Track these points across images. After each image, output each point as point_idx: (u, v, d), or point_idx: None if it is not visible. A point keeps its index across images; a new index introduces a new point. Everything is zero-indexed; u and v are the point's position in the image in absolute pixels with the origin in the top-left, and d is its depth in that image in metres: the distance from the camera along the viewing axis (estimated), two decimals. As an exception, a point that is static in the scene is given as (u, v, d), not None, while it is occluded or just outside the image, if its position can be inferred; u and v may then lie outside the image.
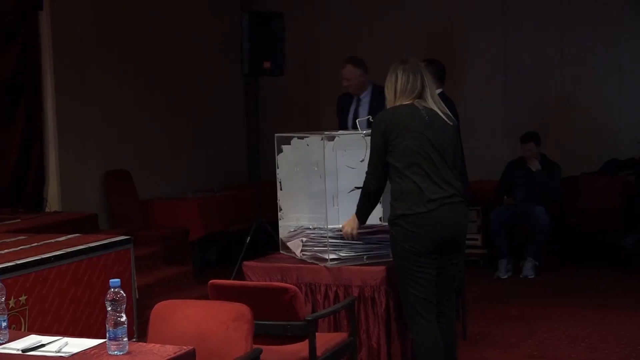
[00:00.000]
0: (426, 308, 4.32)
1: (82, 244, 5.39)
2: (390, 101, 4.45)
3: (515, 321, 6.54)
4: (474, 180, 9.12)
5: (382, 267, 4.69)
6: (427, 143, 4.29)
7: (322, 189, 4.90)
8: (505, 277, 8.07)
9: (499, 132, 9.45)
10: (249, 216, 8.16)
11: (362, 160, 5.05)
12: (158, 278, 6.96)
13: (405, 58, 4.54)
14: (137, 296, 5.80)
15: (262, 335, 3.96)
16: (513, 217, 8.26)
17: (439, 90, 7.77)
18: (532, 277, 7.99)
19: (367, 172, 4.49)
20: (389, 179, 4.42)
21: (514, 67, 9.46)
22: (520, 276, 8.03)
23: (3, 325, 3.08)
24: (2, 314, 3.08)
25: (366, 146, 5.06)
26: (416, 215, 4.25)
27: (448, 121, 4.42)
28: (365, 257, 4.83)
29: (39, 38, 7.80)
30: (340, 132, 5.24)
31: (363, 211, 4.64)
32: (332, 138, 5.01)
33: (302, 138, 5.23)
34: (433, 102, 4.40)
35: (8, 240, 5.72)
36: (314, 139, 5.12)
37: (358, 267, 4.76)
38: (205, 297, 4.31)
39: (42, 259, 5.00)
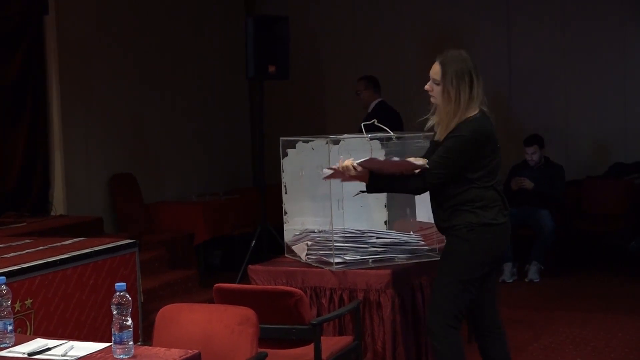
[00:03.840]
0: (461, 320, 4.22)
1: (87, 248, 5.40)
2: (461, 106, 4.07)
3: (520, 325, 6.52)
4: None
5: (388, 271, 4.68)
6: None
7: (327, 192, 4.90)
8: (511, 280, 8.06)
9: (503, 135, 9.39)
10: (254, 220, 8.16)
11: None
12: (163, 282, 6.97)
13: (457, 50, 4.25)
14: (142, 300, 5.80)
15: (268, 339, 3.96)
16: (518, 221, 8.24)
17: (378, 100, 7.91)
18: (538, 280, 7.98)
19: (433, 171, 4.03)
20: (461, 185, 4.07)
21: (518, 70, 9.45)
22: (526, 280, 8.02)
23: (9, 328, 3.08)
24: (8, 317, 3.09)
25: (371, 149, 5.08)
26: (500, 225, 4.08)
27: None
28: (370, 260, 4.83)
29: (44, 42, 7.82)
30: (345, 135, 5.23)
31: (384, 185, 4.25)
32: (337, 142, 5.01)
33: (307, 142, 5.24)
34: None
35: (14, 243, 5.74)
36: (319, 143, 5.12)
37: (363, 270, 4.75)
38: (210, 301, 4.32)
39: (47, 262, 5.01)
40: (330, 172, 4.25)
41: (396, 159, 4.13)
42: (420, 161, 4.10)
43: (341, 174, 4.23)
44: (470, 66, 4.13)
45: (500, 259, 4.26)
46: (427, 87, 4.21)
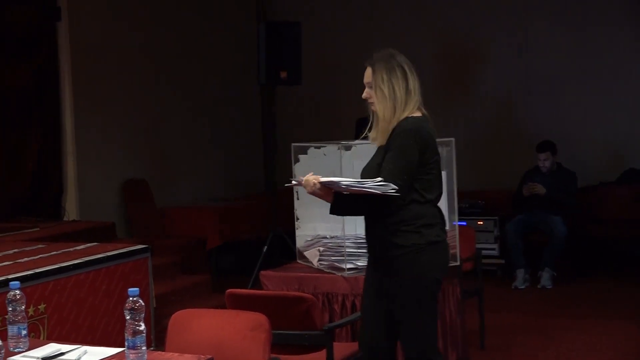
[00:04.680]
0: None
1: (100, 253, 5.42)
2: (398, 100, 3.74)
3: (533, 331, 6.51)
4: (491, 190, 9.13)
5: (400, 277, 4.67)
6: None
7: (339, 198, 4.88)
8: (523, 287, 8.04)
9: (515, 142, 9.43)
10: (266, 225, 8.17)
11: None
12: (175, 287, 6.97)
13: (384, 49, 4.01)
14: (155, 305, 5.81)
15: (280, 344, 3.96)
16: (530, 227, 8.23)
17: None
18: (550, 287, 7.96)
19: (396, 181, 3.58)
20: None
21: (531, 76, 9.44)
22: (538, 286, 8.00)
23: (23, 333, 3.09)
24: (22, 322, 3.10)
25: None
26: (442, 243, 3.80)
27: None
28: (382, 266, 4.82)
29: (57, 49, 7.87)
30: (357, 141, 5.23)
31: (349, 207, 3.78)
32: (349, 148, 5.01)
33: (319, 147, 5.24)
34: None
35: (27, 248, 5.76)
36: (331, 149, 5.12)
37: (375, 276, 4.74)
38: (222, 306, 4.32)
39: (60, 267, 5.02)
40: (296, 183, 3.87)
41: (361, 185, 3.59)
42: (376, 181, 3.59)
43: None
44: (401, 60, 3.87)
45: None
46: (364, 95, 3.89)
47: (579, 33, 9.25)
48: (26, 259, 5.32)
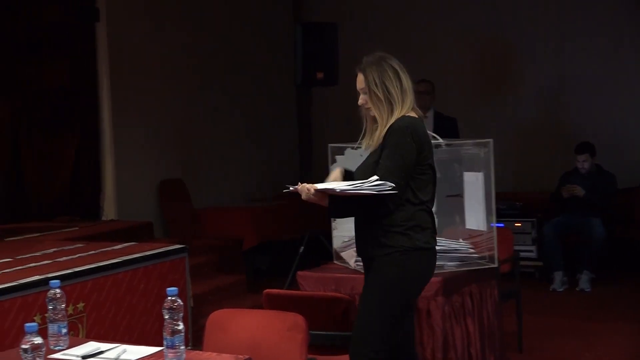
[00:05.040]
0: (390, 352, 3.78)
1: (138, 253, 5.45)
2: (396, 100, 3.70)
3: (570, 335, 6.45)
4: (529, 191, 9.06)
5: (437, 279, 4.64)
6: None
7: (376, 199, 4.87)
8: (561, 289, 7.97)
9: (554, 143, 9.35)
10: (301, 226, 8.17)
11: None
12: (212, 287, 7.01)
13: (372, 53, 3.95)
14: (192, 304, 5.84)
15: (316, 345, 3.96)
16: (569, 229, 8.16)
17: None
18: (589, 290, 7.88)
19: (391, 179, 3.53)
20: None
21: (569, 77, 9.36)
22: (577, 289, 7.92)
23: (63, 331, 3.12)
24: (62, 320, 3.13)
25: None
26: (432, 250, 3.74)
27: None
28: (419, 268, 4.79)
29: (95, 49, 7.94)
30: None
31: (345, 210, 3.74)
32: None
33: (355, 148, 5.22)
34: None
35: (66, 248, 5.82)
36: (367, 150, 5.10)
37: (412, 277, 4.72)
38: (258, 306, 4.33)
39: (99, 266, 5.06)
40: (293, 190, 3.82)
41: (356, 188, 3.54)
42: (373, 179, 3.54)
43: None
44: (392, 61, 3.83)
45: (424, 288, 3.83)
46: (360, 101, 3.87)
47: (616, 33, 9.15)
48: (65, 258, 5.37)
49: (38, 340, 2.56)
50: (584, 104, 9.28)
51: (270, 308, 4.07)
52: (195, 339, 5.41)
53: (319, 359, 3.68)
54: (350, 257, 5.01)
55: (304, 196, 3.65)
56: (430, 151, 3.71)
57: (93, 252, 5.57)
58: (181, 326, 2.88)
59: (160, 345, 3.05)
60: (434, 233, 3.74)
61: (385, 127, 3.70)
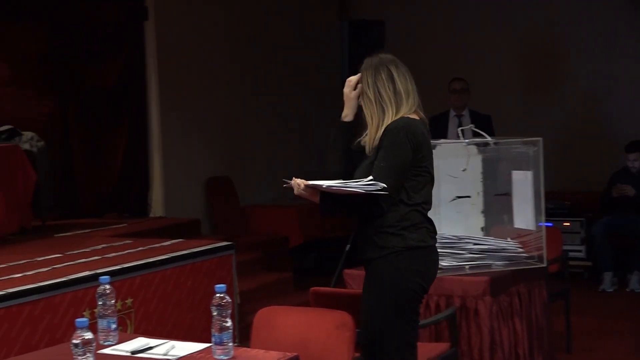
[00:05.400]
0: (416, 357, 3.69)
1: (185, 249, 5.49)
2: (386, 102, 3.63)
3: (620, 336, 6.37)
4: (578, 191, 8.95)
5: (485, 278, 4.62)
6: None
7: (423, 197, 4.85)
8: (611, 290, 7.87)
9: (603, 142, 9.22)
10: (347, 224, 8.15)
11: (464, 170, 5.02)
12: (258, 284, 7.03)
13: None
14: (239, 301, 5.86)
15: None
16: (619, 229, 8.04)
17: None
18: (639, 290, 7.77)
19: (385, 180, 3.46)
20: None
21: (618, 76, 9.23)
22: (627, 289, 7.82)
23: (112, 327, 3.15)
24: (111, 315, 3.16)
25: (467, 155, 5.03)
26: (428, 248, 3.64)
27: None
28: (467, 267, 4.78)
29: (144, 47, 8.00)
30: (442, 141, 5.19)
31: (335, 208, 3.68)
32: (433, 147, 4.95)
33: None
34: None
35: (115, 244, 5.88)
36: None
37: (460, 277, 4.70)
38: (304, 303, 4.34)
39: (147, 263, 5.11)
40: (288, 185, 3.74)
41: (344, 185, 3.49)
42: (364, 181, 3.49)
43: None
44: (389, 63, 3.69)
45: (428, 287, 3.71)
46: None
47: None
48: (114, 254, 5.42)
49: (89, 335, 2.58)
50: (634, 102, 9.15)
51: (316, 306, 4.06)
52: (241, 336, 5.44)
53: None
54: (397, 255, 4.98)
55: (295, 191, 3.62)
56: (428, 153, 3.66)
57: (141, 248, 5.63)
58: (229, 323, 2.89)
59: (208, 341, 3.07)
60: (431, 232, 3.66)
61: (376, 128, 3.65)
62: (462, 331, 4.64)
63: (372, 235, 3.60)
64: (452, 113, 7.65)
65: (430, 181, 3.67)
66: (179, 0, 8.22)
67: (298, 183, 3.60)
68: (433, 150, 4.81)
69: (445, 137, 7.10)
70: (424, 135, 3.62)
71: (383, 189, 3.43)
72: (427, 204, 3.66)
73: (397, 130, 3.54)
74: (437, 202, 4.89)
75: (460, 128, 5.04)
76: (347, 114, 3.83)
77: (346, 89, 3.77)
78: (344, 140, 3.84)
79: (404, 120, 3.59)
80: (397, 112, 3.61)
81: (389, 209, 3.54)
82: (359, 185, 3.45)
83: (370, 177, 3.46)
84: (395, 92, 3.63)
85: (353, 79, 3.77)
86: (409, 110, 3.64)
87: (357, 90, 3.71)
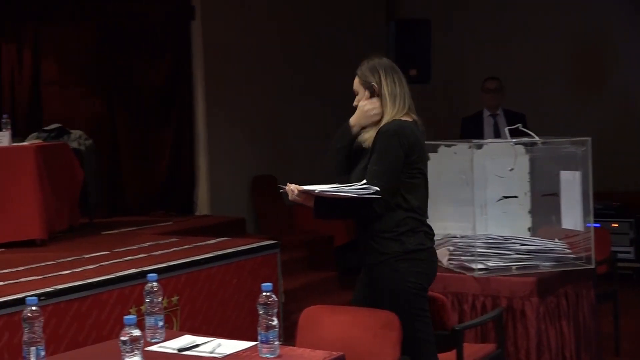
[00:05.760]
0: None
1: (231, 248, 5.52)
2: (385, 98, 3.73)
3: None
4: (627, 192, 8.83)
5: (532, 279, 4.58)
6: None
7: (470, 197, 4.83)
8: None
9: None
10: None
11: (512, 169, 4.98)
12: (303, 283, 7.04)
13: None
14: (283, 300, 5.87)
15: (409, 343, 3.93)
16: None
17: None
18: None
19: (378, 183, 3.50)
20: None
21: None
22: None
23: (160, 324, 3.17)
24: (158, 313, 3.18)
25: (515, 154, 4.99)
26: (428, 250, 3.69)
27: None
28: (514, 267, 4.73)
29: (191, 46, 8.05)
30: (489, 140, 5.15)
31: (330, 212, 3.66)
32: (480, 146, 4.93)
33: (449, 146, 5.18)
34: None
35: (161, 242, 5.93)
36: (461, 147, 5.05)
37: (506, 277, 4.66)
38: (348, 303, 4.31)
39: (192, 261, 5.15)
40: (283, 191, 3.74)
41: (337, 190, 3.50)
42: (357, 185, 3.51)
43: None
44: (386, 65, 3.82)
45: (428, 288, 3.73)
46: (355, 102, 3.91)
47: None
48: (160, 252, 5.47)
49: (136, 332, 2.60)
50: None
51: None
52: (285, 335, 5.44)
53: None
54: (443, 255, 4.96)
55: (290, 197, 3.64)
56: (421, 155, 3.68)
57: (187, 246, 5.67)
58: (275, 321, 2.90)
59: (253, 339, 3.08)
60: (428, 234, 3.71)
61: (375, 124, 3.75)
62: (508, 332, 4.59)
63: (371, 241, 3.65)
64: (487, 113, 7.58)
65: (424, 183, 3.72)
66: (226, -1, 8.27)
67: (292, 189, 3.62)
68: (480, 151, 4.83)
69: (481, 137, 7.04)
70: (416, 137, 3.65)
71: (376, 193, 3.46)
72: (423, 208, 3.71)
73: (389, 133, 3.60)
74: (484, 202, 4.88)
75: (507, 128, 4.98)
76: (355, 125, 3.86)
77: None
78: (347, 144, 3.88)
79: (396, 123, 3.65)
80: (391, 113, 3.70)
81: (383, 212, 3.58)
82: (352, 189, 3.48)
83: (364, 181, 3.49)
84: (392, 94, 3.73)
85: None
86: (401, 111, 3.71)
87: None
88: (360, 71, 3.88)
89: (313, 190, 3.54)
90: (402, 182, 3.60)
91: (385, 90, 3.74)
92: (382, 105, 3.73)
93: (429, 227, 3.72)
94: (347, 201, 3.51)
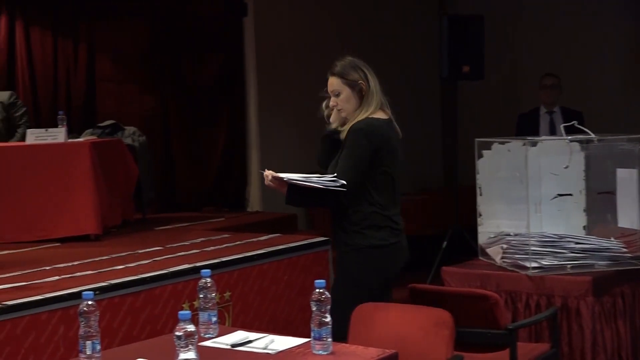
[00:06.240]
0: None
1: (282, 244, 5.52)
2: (361, 103, 3.90)
3: None
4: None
5: (588, 278, 4.52)
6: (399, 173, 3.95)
7: (523, 195, 4.78)
8: None
9: None
10: (442, 221, 8.09)
11: (567, 167, 4.92)
12: (353, 280, 7.01)
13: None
14: (334, 297, 5.86)
15: (461, 342, 3.90)
16: None
17: None
18: None
19: (344, 177, 3.71)
20: (356, 203, 3.81)
21: None
22: None
23: (213, 320, 3.18)
24: (212, 309, 3.19)
25: (570, 152, 4.93)
26: (390, 246, 3.87)
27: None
28: (568, 266, 4.67)
29: (243, 43, 8.09)
30: (544, 138, 5.11)
31: (301, 199, 3.91)
32: (534, 144, 4.88)
33: (503, 143, 5.14)
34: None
35: (213, 238, 5.96)
36: (515, 145, 5.01)
37: (561, 276, 4.61)
38: (399, 300, 4.30)
39: (244, 257, 5.15)
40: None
41: (306, 179, 3.74)
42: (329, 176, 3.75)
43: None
44: (360, 61, 4.03)
45: (390, 282, 3.91)
46: (331, 103, 4.03)
47: None
48: (212, 248, 5.50)
49: (191, 327, 2.60)
50: None
51: (414, 303, 4.03)
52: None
53: (464, 355, 3.61)
54: (497, 253, 4.92)
55: (265, 182, 3.85)
56: (389, 153, 3.84)
57: (239, 242, 5.68)
58: (328, 318, 2.89)
59: (303, 336, 3.08)
60: (393, 230, 3.86)
61: (352, 120, 3.90)
62: (563, 332, 4.54)
63: (340, 232, 3.87)
64: (543, 110, 7.49)
65: (391, 181, 3.88)
66: (278, -4, 8.29)
67: (266, 174, 3.83)
68: (534, 148, 4.78)
69: (536, 134, 6.97)
70: (383, 135, 3.83)
71: (342, 186, 3.67)
72: (389, 205, 3.87)
73: (357, 132, 3.78)
74: (538, 200, 4.82)
75: (563, 125, 4.92)
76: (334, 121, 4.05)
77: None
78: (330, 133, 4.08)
79: (367, 121, 3.81)
80: (365, 110, 3.88)
81: (351, 205, 3.77)
82: (320, 180, 3.71)
83: (334, 174, 3.72)
84: (376, 90, 3.93)
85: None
86: (375, 108, 3.89)
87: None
88: (337, 71, 3.98)
89: (282, 179, 3.76)
90: (370, 177, 3.78)
91: (373, 87, 3.91)
92: (364, 101, 3.89)
93: (396, 222, 3.89)
94: (317, 191, 3.72)
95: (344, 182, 3.67)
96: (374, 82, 3.92)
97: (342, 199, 3.73)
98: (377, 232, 3.80)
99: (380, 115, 3.88)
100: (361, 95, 3.89)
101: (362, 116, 3.84)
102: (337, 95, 3.95)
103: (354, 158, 3.75)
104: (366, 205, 3.79)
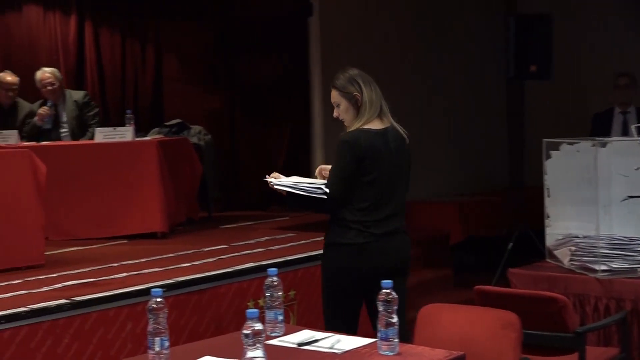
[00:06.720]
0: None
1: (347, 243, 5.50)
2: (358, 114, 3.99)
3: None
4: None
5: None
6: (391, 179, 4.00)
7: (593, 196, 4.70)
8: None
9: None
10: (508, 222, 7.99)
11: (638, 169, 4.82)
12: (418, 280, 6.96)
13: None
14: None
15: (528, 345, 3.85)
16: None
17: None
18: None
19: (330, 185, 3.86)
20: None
21: None
22: None
23: (279, 318, 3.19)
24: (278, 307, 3.20)
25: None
26: (356, 245, 3.91)
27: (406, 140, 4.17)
28: (639, 269, 4.58)
29: (308, 43, 8.10)
30: (614, 138, 5.01)
31: (299, 203, 4.02)
32: (604, 145, 4.79)
33: (571, 144, 5.05)
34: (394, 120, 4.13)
35: (278, 236, 5.99)
36: (585, 145, 4.92)
37: (631, 279, 4.52)
38: (464, 301, 4.26)
39: (309, 256, 5.17)
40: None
41: (294, 186, 3.89)
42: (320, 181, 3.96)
43: None
44: (359, 73, 4.10)
45: (367, 283, 3.85)
46: (334, 114, 4.09)
47: None
48: (277, 246, 5.52)
49: (259, 326, 2.61)
50: None
51: (481, 304, 3.99)
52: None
53: (531, 359, 3.57)
54: (565, 255, 4.85)
55: (269, 184, 3.98)
56: (375, 162, 3.91)
57: (303, 241, 5.71)
58: (395, 319, 2.87)
59: (367, 336, 3.07)
60: (362, 233, 3.89)
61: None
62: (633, 336, 4.46)
63: (327, 228, 4.05)
64: (617, 110, 7.34)
65: (376, 187, 3.92)
66: (343, -4, 8.28)
67: (269, 180, 3.99)
68: (604, 149, 4.69)
69: (609, 134, 6.83)
70: (367, 146, 3.90)
71: (324, 194, 3.83)
72: (369, 209, 3.90)
73: (343, 143, 3.93)
74: (608, 202, 4.74)
75: (635, 125, 4.82)
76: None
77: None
78: None
79: (352, 133, 3.95)
80: (360, 120, 3.98)
81: (333, 212, 3.92)
82: (307, 187, 3.89)
83: (324, 182, 3.90)
84: (370, 101, 4.01)
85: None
86: (369, 118, 3.99)
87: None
88: (337, 84, 4.06)
89: (273, 184, 3.92)
90: (357, 184, 3.89)
91: (366, 99, 4.00)
92: (360, 112, 3.99)
93: (372, 226, 3.90)
94: (309, 197, 3.89)
95: (327, 191, 3.84)
96: (368, 94, 4.01)
97: (326, 206, 3.89)
98: (346, 232, 3.90)
99: (375, 124, 3.99)
100: (357, 106, 4.00)
101: (355, 126, 3.98)
102: (338, 106, 4.07)
103: (337, 169, 3.91)
104: (347, 209, 3.91)
